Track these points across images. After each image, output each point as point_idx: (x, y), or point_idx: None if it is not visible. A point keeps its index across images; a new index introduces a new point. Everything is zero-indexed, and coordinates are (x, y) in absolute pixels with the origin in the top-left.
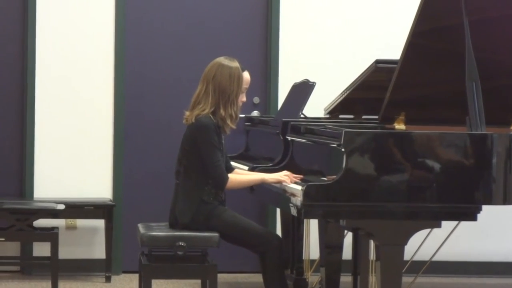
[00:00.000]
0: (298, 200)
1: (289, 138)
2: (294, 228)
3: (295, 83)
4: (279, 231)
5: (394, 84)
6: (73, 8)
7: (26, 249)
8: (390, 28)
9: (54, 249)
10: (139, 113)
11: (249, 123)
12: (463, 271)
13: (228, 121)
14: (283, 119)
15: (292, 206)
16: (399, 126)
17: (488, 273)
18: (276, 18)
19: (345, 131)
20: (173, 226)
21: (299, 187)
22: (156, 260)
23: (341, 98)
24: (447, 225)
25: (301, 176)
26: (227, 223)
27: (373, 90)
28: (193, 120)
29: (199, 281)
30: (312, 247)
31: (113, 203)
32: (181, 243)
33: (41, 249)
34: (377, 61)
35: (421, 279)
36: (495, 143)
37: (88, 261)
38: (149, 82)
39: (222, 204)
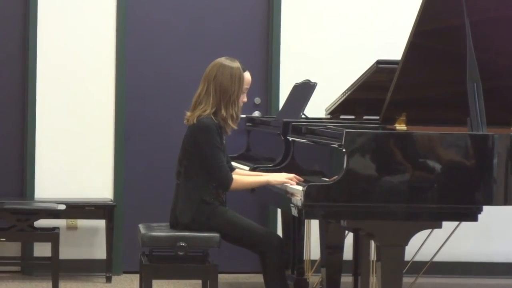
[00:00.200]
0: (299, 200)
1: (290, 139)
2: (295, 229)
3: (296, 83)
4: (279, 232)
5: (395, 84)
6: (74, 8)
7: (27, 250)
8: (391, 28)
9: (55, 249)
10: (140, 113)
11: (250, 124)
12: (464, 271)
13: (230, 122)
14: (284, 120)
15: (293, 207)
16: (400, 127)
17: (489, 274)
18: (277, 18)
19: (346, 132)
20: (174, 226)
21: (299, 188)
22: (157, 260)
23: (342, 99)
24: (448, 225)
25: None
26: (227, 223)
27: (374, 90)
28: (195, 121)
29: (200, 281)
30: (313, 248)
31: (114, 204)
32: (182, 244)
33: (41, 250)
34: (378, 62)
35: (422, 280)
36: (496, 143)
37: (89, 261)
38: (150, 82)
39: (223, 205)
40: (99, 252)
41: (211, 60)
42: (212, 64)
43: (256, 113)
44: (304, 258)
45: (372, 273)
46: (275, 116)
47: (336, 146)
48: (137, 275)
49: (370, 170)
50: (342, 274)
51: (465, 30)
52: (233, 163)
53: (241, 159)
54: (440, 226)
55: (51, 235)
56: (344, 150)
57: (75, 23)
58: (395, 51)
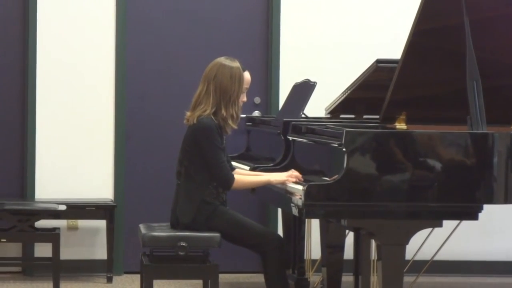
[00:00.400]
0: (299, 200)
1: (290, 138)
2: (296, 228)
3: (296, 83)
4: (280, 231)
5: (395, 83)
6: (74, 8)
7: (28, 250)
8: (391, 27)
9: (56, 249)
10: (140, 113)
11: (250, 123)
12: (465, 270)
13: (230, 121)
14: (284, 119)
15: (293, 206)
16: (400, 126)
17: (490, 272)
18: (276, 17)
19: (346, 131)
20: (174, 226)
21: (300, 187)
22: (158, 260)
23: (342, 98)
24: (448, 224)
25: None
26: (228, 223)
27: (374, 89)
28: (195, 121)
29: (200, 281)
30: (314, 247)
31: (115, 204)
32: (183, 244)
33: (42, 250)
34: (378, 61)
35: (423, 279)
36: (496, 142)
37: (90, 261)
38: (150, 82)
39: (224, 205)
40: (100, 252)
41: (211, 60)
42: (212, 64)
43: (256, 113)
44: (305, 258)
45: (373, 272)
46: (275, 115)
47: (336, 145)
48: (138, 275)
49: (370, 169)
50: (343, 274)
51: (465, 29)
52: (233, 163)
53: (241, 159)
54: (440, 225)
55: (52, 235)
56: (344, 149)
57: (75, 23)
58: (396, 51)
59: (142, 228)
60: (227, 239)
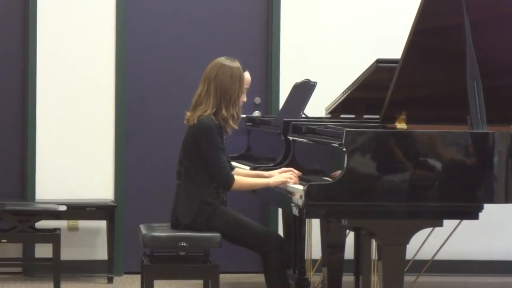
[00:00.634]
0: (299, 200)
1: (291, 138)
2: (296, 228)
3: (296, 83)
4: (281, 231)
5: (395, 83)
6: (74, 9)
7: (28, 251)
8: (391, 27)
9: (56, 250)
10: (141, 113)
11: (250, 123)
12: (465, 269)
13: (230, 122)
14: (285, 119)
15: (293, 206)
16: (401, 126)
17: (490, 272)
18: (277, 18)
19: (347, 131)
20: (175, 226)
21: (300, 187)
22: (158, 260)
23: (342, 98)
24: (448, 224)
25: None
26: (229, 223)
27: (374, 89)
28: (195, 121)
29: (201, 281)
30: (314, 247)
31: (115, 204)
32: (183, 244)
33: (43, 251)
34: (378, 61)
35: (423, 278)
36: (496, 141)
37: (90, 262)
38: (150, 82)
39: (224, 205)
40: (100, 253)
41: (211, 60)
42: (212, 64)
43: (256, 113)
44: (306, 258)
45: (374, 272)
46: (275, 115)
47: (336, 145)
48: (139, 276)
49: (370, 169)
50: (344, 273)
51: (465, 28)
52: (234, 163)
53: (242, 159)
54: (441, 225)
55: (52, 236)
56: (344, 149)
57: (75, 22)
58: (396, 50)
59: (143, 228)
60: (227, 239)
